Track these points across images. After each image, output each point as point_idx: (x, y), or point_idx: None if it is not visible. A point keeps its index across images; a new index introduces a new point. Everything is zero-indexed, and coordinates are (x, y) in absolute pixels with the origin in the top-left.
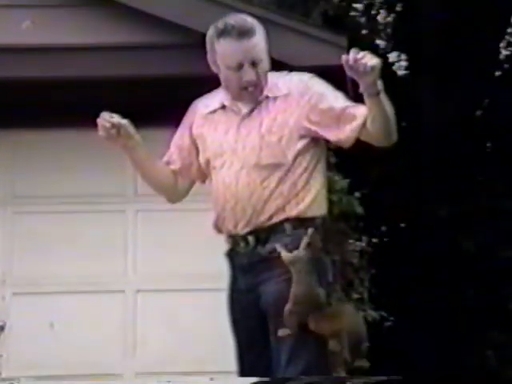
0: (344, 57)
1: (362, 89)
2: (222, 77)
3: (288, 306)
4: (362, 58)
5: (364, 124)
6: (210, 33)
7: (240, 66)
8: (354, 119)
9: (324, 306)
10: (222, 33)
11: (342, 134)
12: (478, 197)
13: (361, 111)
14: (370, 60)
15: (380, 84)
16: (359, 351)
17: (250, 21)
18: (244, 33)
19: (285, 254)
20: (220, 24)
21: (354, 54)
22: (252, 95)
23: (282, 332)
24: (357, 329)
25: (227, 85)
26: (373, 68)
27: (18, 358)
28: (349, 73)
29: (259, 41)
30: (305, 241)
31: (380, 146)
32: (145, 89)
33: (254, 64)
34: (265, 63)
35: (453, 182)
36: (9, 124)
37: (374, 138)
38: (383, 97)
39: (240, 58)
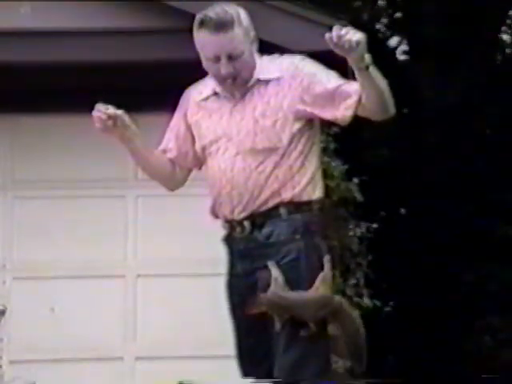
0: (327, 35)
1: (350, 64)
2: (204, 66)
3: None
4: (346, 34)
5: (359, 100)
6: (194, 22)
7: (217, 59)
8: (349, 97)
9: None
10: (201, 24)
11: (338, 113)
12: (479, 183)
13: (354, 88)
14: (354, 35)
15: (368, 58)
16: (361, 358)
17: (231, 13)
18: (221, 26)
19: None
20: (201, 15)
21: (337, 31)
22: (233, 86)
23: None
24: (357, 336)
25: (210, 74)
26: (357, 43)
27: (19, 342)
28: (335, 50)
29: (238, 34)
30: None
31: (379, 121)
32: (143, 74)
33: (230, 57)
34: (246, 55)
35: (453, 167)
36: (8, 109)
37: (372, 113)
38: (373, 70)
39: (216, 51)
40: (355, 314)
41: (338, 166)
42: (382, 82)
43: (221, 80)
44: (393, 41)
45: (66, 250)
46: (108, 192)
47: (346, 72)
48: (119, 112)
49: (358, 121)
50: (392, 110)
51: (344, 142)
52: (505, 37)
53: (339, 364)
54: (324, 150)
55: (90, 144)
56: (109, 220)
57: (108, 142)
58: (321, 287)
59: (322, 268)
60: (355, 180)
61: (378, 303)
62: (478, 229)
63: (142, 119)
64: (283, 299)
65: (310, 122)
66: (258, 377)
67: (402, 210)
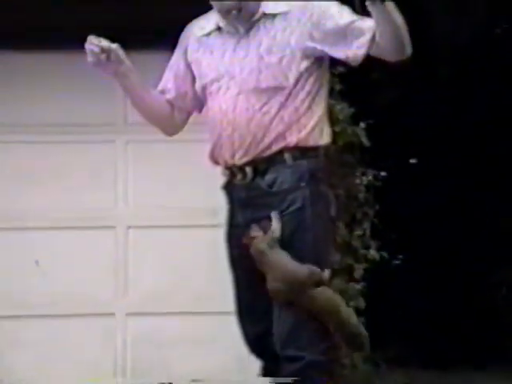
0: None
1: None
2: None
3: (269, 285)
4: None
5: (373, 38)
6: None
7: None
8: (362, 34)
9: (305, 283)
10: None
11: (350, 52)
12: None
13: (368, 25)
14: None
15: None
16: (357, 343)
17: None
18: None
19: (256, 245)
20: None
21: None
22: (237, 19)
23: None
24: (348, 321)
25: (214, 7)
26: None
27: (3, 296)
28: None
29: None
30: (273, 227)
31: (393, 62)
32: (137, 8)
33: None
34: None
35: (470, 109)
36: None
37: (386, 53)
38: (390, 4)
39: None
40: (342, 306)
41: (343, 109)
42: (399, 18)
43: (225, 13)
44: None
45: (51, 198)
46: (96, 137)
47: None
48: (113, 45)
49: (366, 59)
50: (409, 50)
51: (350, 83)
52: None
53: None
54: (328, 92)
55: (78, 84)
56: (97, 167)
57: (97, 82)
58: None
59: (328, 217)
60: (362, 124)
61: (385, 255)
62: (495, 175)
63: (140, 58)
64: (263, 255)
65: (318, 60)
66: (257, 334)
67: (413, 156)
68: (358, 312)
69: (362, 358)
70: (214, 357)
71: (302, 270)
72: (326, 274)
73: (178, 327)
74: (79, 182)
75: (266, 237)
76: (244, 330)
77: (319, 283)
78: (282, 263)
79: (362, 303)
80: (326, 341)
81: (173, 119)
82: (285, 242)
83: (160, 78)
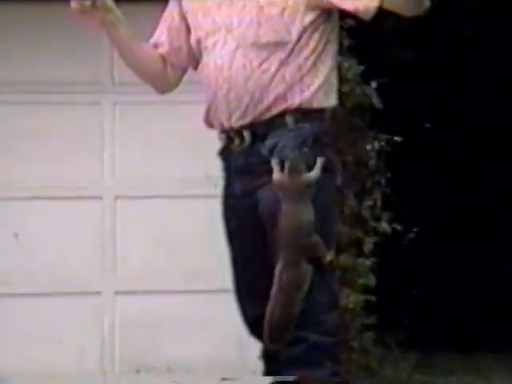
0: None
1: None
2: None
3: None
4: None
5: None
6: None
7: None
8: None
9: (311, 248)
10: None
11: (360, 3)
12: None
13: None
14: None
15: None
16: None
17: None
18: None
19: (276, 177)
20: None
21: None
22: None
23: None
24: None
25: None
26: None
27: None
28: None
29: None
30: (288, 166)
31: (408, 16)
32: None
33: None
34: None
35: (495, 71)
36: None
37: (400, 5)
38: None
39: None
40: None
41: (352, 67)
42: None
43: None
44: None
45: (32, 166)
46: (80, 97)
47: None
48: None
49: (378, 12)
50: (426, 3)
51: (360, 38)
52: None
53: (351, 299)
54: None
55: (59, 39)
56: (81, 131)
57: (80, 37)
58: None
59: (334, 186)
60: (373, 83)
61: (398, 228)
62: None
63: (132, 9)
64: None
65: (325, 13)
66: (257, 315)
67: (430, 120)
68: (368, 290)
69: (373, 339)
70: (212, 339)
71: (314, 235)
72: (329, 257)
73: (172, 307)
74: (61, 147)
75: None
76: (243, 310)
77: (314, 260)
78: (295, 215)
79: (372, 280)
80: (332, 318)
81: (166, 76)
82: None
83: (154, 33)
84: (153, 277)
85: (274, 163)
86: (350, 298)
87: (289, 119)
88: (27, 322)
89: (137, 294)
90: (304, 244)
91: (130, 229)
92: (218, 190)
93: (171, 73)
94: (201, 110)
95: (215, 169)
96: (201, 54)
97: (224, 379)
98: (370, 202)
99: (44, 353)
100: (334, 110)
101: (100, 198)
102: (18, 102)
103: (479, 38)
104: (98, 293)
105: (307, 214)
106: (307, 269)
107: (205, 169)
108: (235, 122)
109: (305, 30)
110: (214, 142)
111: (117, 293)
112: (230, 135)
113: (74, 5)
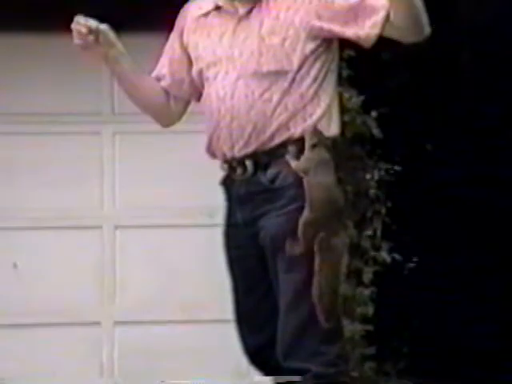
0: None
1: None
2: None
3: (303, 217)
4: None
5: (387, 17)
6: None
7: None
8: (375, 12)
9: (343, 211)
10: None
11: (362, 31)
12: None
13: (382, 2)
14: None
15: None
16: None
17: None
18: None
19: (295, 164)
20: None
21: None
22: None
23: (290, 248)
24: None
25: None
26: None
27: None
28: None
29: None
30: (309, 143)
31: (408, 43)
32: None
33: None
34: None
35: (494, 97)
36: None
37: (401, 33)
38: None
39: None
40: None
41: (352, 97)
42: None
43: None
44: None
45: (32, 195)
46: (81, 128)
47: None
48: (102, 26)
49: (378, 40)
50: (426, 30)
51: (360, 68)
52: None
53: (348, 328)
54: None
55: (61, 70)
56: (81, 161)
57: (82, 68)
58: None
59: None
60: (373, 113)
61: (398, 257)
62: None
63: (133, 41)
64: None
65: (326, 42)
66: (258, 345)
67: (430, 151)
68: (367, 320)
69: (373, 369)
70: (211, 369)
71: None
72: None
73: (171, 337)
74: (61, 177)
75: (310, 157)
76: (243, 339)
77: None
78: (325, 186)
79: (370, 310)
80: (334, 349)
81: (169, 109)
82: (287, 240)
83: (156, 64)
84: (152, 307)
85: (290, 156)
86: (349, 328)
87: (291, 149)
88: (24, 353)
89: (136, 324)
90: (340, 208)
91: (129, 258)
92: (219, 219)
93: (174, 106)
94: (201, 140)
95: (216, 199)
96: (203, 85)
97: None
98: (369, 232)
99: (43, 383)
100: (335, 139)
101: (100, 227)
102: (19, 132)
103: (479, 64)
104: (96, 323)
105: (333, 180)
106: (346, 239)
107: (206, 199)
108: (238, 152)
109: (306, 58)
110: (213, 171)
111: (116, 323)
112: (232, 165)
113: (77, 40)
